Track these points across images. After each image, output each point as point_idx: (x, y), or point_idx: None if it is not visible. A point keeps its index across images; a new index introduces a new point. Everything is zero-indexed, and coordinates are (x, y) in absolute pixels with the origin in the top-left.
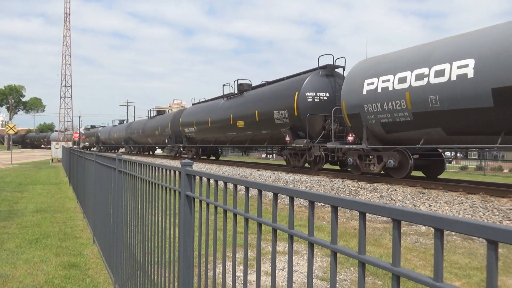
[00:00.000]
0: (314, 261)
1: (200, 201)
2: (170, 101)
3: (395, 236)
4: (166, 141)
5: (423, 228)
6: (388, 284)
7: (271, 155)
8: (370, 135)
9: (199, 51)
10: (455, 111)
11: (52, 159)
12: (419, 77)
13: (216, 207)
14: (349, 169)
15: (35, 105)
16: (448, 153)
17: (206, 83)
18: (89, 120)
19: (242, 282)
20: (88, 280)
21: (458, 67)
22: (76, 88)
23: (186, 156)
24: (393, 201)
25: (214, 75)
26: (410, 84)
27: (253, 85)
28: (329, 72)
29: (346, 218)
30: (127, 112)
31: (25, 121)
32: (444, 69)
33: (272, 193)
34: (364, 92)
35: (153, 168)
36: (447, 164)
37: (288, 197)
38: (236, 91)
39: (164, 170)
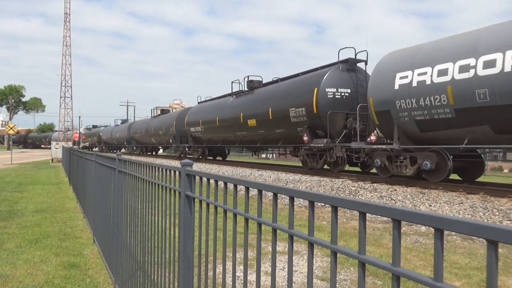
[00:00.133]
0: (314, 261)
1: (200, 201)
2: (170, 101)
3: (395, 236)
4: (171, 141)
5: (423, 228)
6: (388, 284)
7: (270, 155)
8: (401, 134)
9: (199, 51)
10: (509, 107)
11: (52, 159)
12: (463, 68)
13: (216, 207)
14: (376, 171)
15: (35, 105)
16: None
17: (206, 83)
18: (89, 120)
19: (242, 282)
20: (88, 280)
21: None
22: (76, 88)
23: (191, 156)
24: (393, 201)
25: (214, 75)
26: (453, 76)
27: (264, 82)
28: (350, 66)
29: (346, 218)
30: (127, 112)
31: (25, 121)
32: (495, 59)
33: (272, 193)
34: (396, 87)
35: (153, 168)
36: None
37: (288, 197)
38: (245, 89)
39: (164, 170)
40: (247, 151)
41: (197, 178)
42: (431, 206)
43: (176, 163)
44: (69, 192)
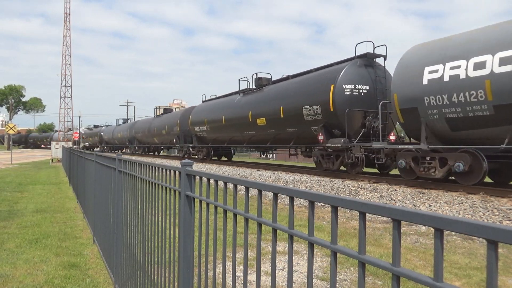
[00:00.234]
0: (314, 261)
1: (200, 201)
2: (170, 101)
3: (395, 236)
4: (174, 140)
5: (423, 228)
6: (388, 284)
7: (270, 155)
8: (429, 133)
9: (199, 51)
10: None
11: (52, 159)
12: (504, 61)
13: (216, 207)
14: (399, 173)
15: (35, 105)
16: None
17: (206, 83)
18: (89, 120)
19: (242, 282)
20: (88, 280)
21: None
22: (76, 88)
23: (196, 157)
24: (393, 201)
25: (214, 75)
26: (492, 70)
27: (273, 79)
28: (368, 62)
29: (346, 218)
30: (127, 112)
31: (25, 121)
32: None
33: (272, 193)
34: (425, 82)
35: (153, 168)
36: None
37: (288, 197)
38: (253, 86)
39: (164, 170)
40: (247, 151)
41: (197, 178)
42: (431, 206)
43: (177, 163)
44: (69, 192)
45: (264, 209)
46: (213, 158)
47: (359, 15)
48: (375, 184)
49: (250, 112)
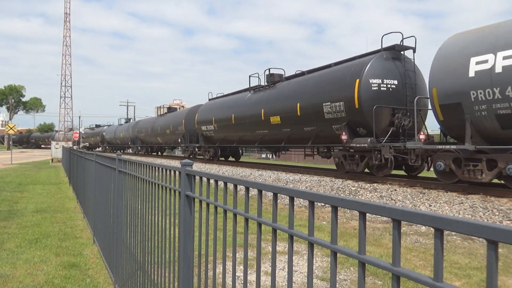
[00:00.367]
0: (314, 261)
1: (200, 201)
2: (170, 101)
3: (395, 236)
4: (179, 140)
5: (423, 228)
6: (388, 284)
7: (271, 155)
8: (474, 131)
9: (199, 51)
10: None
11: (52, 159)
12: None
13: (216, 207)
14: (436, 176)
15: (35, 105)
16: None
17: (206, 83)
18: (89, 120)
19: (242, 282)
20: (88, 280)
21: None
22: (76, 88)
23: (202, 157)
24: (393, 201)
25: (214, 75)
26: None
27: (286, 75)
28: (395, 54)
29: (346, 218)
30: (127, 112)
31: (25, 121)
32: None
33: (272, 193)
34: (471, 74)
35: (153, 168)
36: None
37: (288, 197)
38: (264, 83)
39: (164, 170)
40: (247, 151)
41: (197, 178)
42: (431, 206)
43: (178, 164)
44: (69, 192)
45: (264, 209)
46: (220, 158)
47: (359, 15)
48: (375, 184)
49: (262, 110)
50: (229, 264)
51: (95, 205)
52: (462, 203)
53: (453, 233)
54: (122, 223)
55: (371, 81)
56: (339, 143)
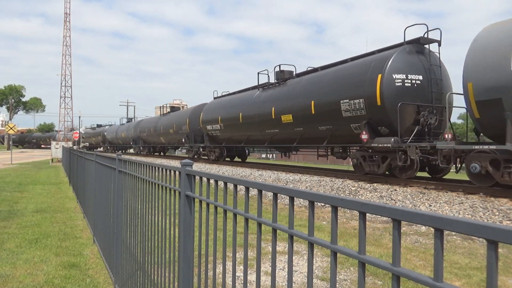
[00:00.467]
0: (314, 261)
1: (200, 201)
2: (170, 101)
3: (395, 236)
4: (183, 140)
5: (423, 228)
6: (388, 284)
7: (270, 155)
8: None
9: (199, 51)
10: None
11: (52, 159)
12: None
13: (216, 207)
14: (469, 178)
15: (35, 105)
16: None
17: (206, 83)
18: (89, 120)
19: (242, 282)
20: (88, 280)
21: None
22: (76, 88)
23: (207, 158)
24: (393, 201)
25: (214, 75)
26: None
27: (297, 72)
28: (419, 48)
29: (346, 218)
30: (127, 112)
31: (25, 121)
32: None
33: (272, 193)
34: None
35: (153, 168)
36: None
37: (288, 197)
38: (273, 80)
39: (164, 170)
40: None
41: (197, 178)
42: (431, 206)
43: (178, 164)
44: (69, 192)
45: (264, 209)
46: (226, 159)
47: (359, 15)
48: (375, 184)
49: (273, 108)
50: (229, 264)
51: (95, 205)
52: (462, 203)
53: (453, 233)
54: (122, 223)
55: (394, 77)
56: (357, 142)
